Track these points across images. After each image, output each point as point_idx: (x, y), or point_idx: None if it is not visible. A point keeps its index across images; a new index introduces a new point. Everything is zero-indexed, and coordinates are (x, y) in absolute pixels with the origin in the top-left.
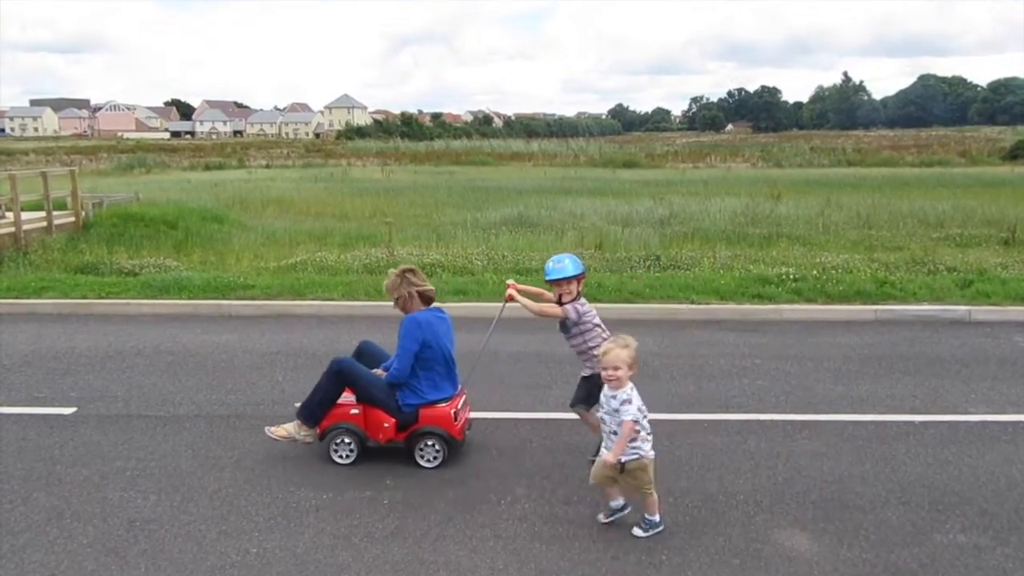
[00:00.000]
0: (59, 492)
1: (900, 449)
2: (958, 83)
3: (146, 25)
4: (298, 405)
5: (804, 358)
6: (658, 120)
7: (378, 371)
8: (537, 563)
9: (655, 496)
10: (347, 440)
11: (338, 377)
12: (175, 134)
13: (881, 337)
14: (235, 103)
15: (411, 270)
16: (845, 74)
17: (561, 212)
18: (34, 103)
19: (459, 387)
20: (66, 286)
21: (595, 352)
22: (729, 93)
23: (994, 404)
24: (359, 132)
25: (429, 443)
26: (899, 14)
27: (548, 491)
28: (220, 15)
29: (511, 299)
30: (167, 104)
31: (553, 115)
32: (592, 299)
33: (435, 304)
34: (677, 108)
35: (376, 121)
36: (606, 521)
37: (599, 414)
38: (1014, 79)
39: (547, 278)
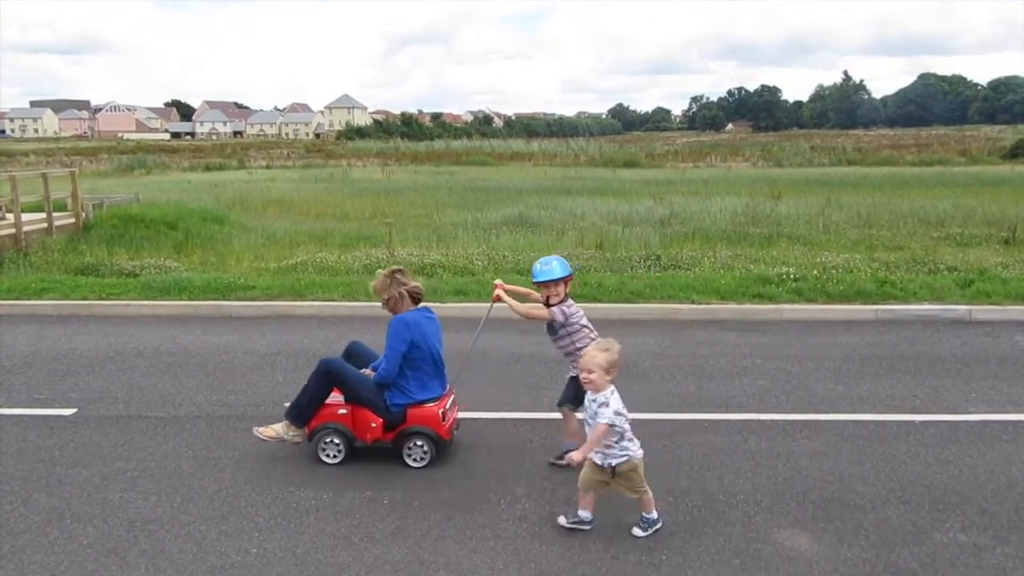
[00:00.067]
0: (59, 493)
1: (900, 449)
2: (958, 82)
3: (146, 26)
4: (287, 405)
5: (804, 358)
6: (658, 120)
7: (367, 371)
8: (537, 563)
9: (650, 494)
10: (335, 440)
11: (326, 377)
12: (175, 135)
13: (881, 337)
14: (235, 104)
15: (400, 270)
16: (845, 73)
17: (561, 212)
18: (34, 104)
19: (447, 387)
20: (66, 287)
21: (583, 353)
22: (729, 92)
23: (994, 404)
24: (359, 132)
25: (417, 443)
26: (899, 13)
27: (548, 491)
28: (220, 16)
29: (498, 299)
30: (167, 105)
31: (553, 115)
32: (592, 299)
33: (426, 304)
34: (677, 108)
35: (376, 121)
36: (568, 526)
37: (582, 416)
38: (1014, 78)
39: (535, 280)
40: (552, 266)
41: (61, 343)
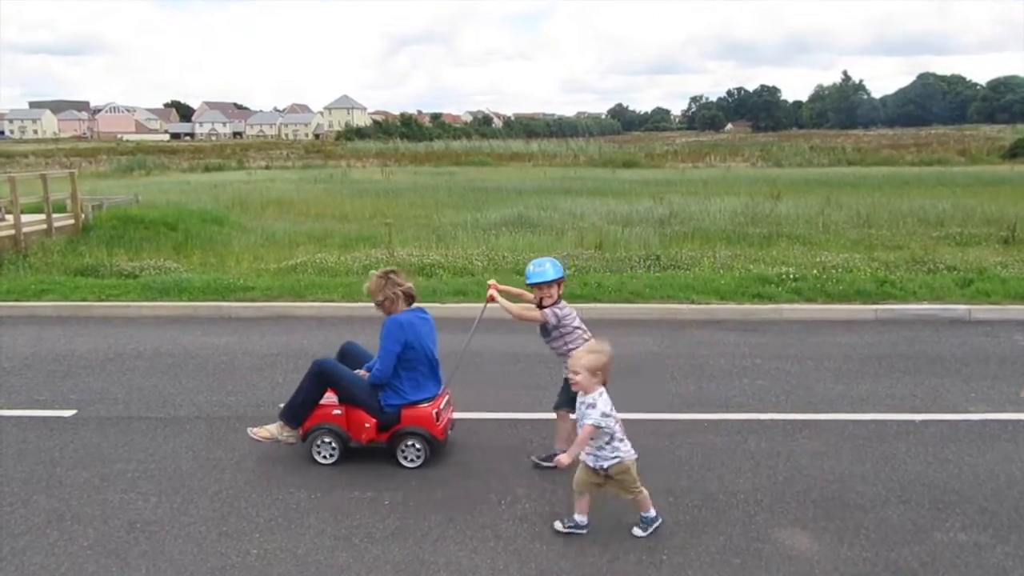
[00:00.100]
0: (59, 494)
1: (900, 448)
2: (957, 82)
3: (145, 27)
4: (282, 406)
5: (804, 357)
6: (657, 120)
7: (361, 372)
8: (538, 563)
9: (644, 493)
10: (329, 440)
11: (320, 378)
12: (174, 136)
13: (881, 336)
14: (234, 104)
15: (394, 271)
16: (844, 73)
17: (561, 212)
18: (33, 105)
19: (442, 387)
20: (66, 288)
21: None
22: (728, 92)
23: (994, 403)
24: (358, 133)
25: (411, 443)
26: (898, 13)
27: (548, 491)
28: (219, 16)
29: (492, 300)
30: (166, 106)
31: (552, 115)
32: (592, 299)
33: (422, 304)
34: (676, 108)
35: (375, 122)
36: (564, 531)
37: (574, 417)
38: (1013, 77)
39: (528, 281)
40: (545, 268)
41: (61, 344)
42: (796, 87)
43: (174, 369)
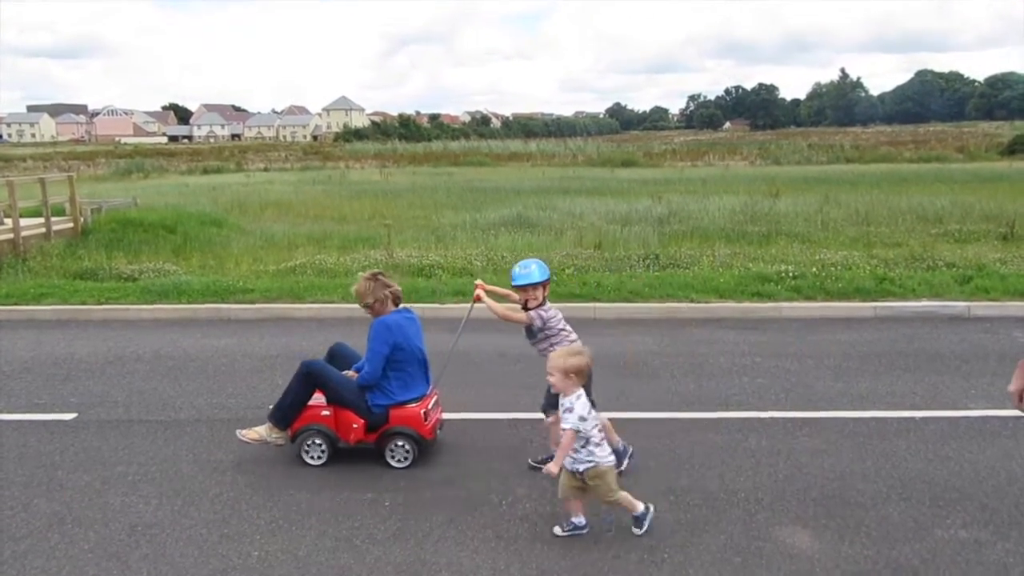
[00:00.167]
0: (60, 498)
1: (900, 445)
2: (955, 79)
3: (143, 30)
4: (271, 407)
5: (804, 355)
6: (656, 119)
7: (349, 372)
8: (539, 563)
9: (623, 496)
10: (318, 441)
11: (308, 379)
12: (173, 138)
13: (881, 334)
14: (232, 106)
15: (382, 272)
16: (842, 71)
17: (560, 212)
18: (31, 109)
19: (431, 386)
20: (65, 292)
21: None
22: (727, 91)
23: (994, 400)
24: (357, 134)
25: (399, 443)
26: (896, 10)
27: (549, 491)
28: (217, 18)
29: (478, 300)
30: (164, 108)
31: (551, 115)
32: (591, 298)
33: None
34: (675, 106)
35: (374, 123)
36: (563, 534)
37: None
38: (1011, 74)
39: (513, 283)
40: (531, 270)
41: (60, 348)
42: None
43: (174, 372)
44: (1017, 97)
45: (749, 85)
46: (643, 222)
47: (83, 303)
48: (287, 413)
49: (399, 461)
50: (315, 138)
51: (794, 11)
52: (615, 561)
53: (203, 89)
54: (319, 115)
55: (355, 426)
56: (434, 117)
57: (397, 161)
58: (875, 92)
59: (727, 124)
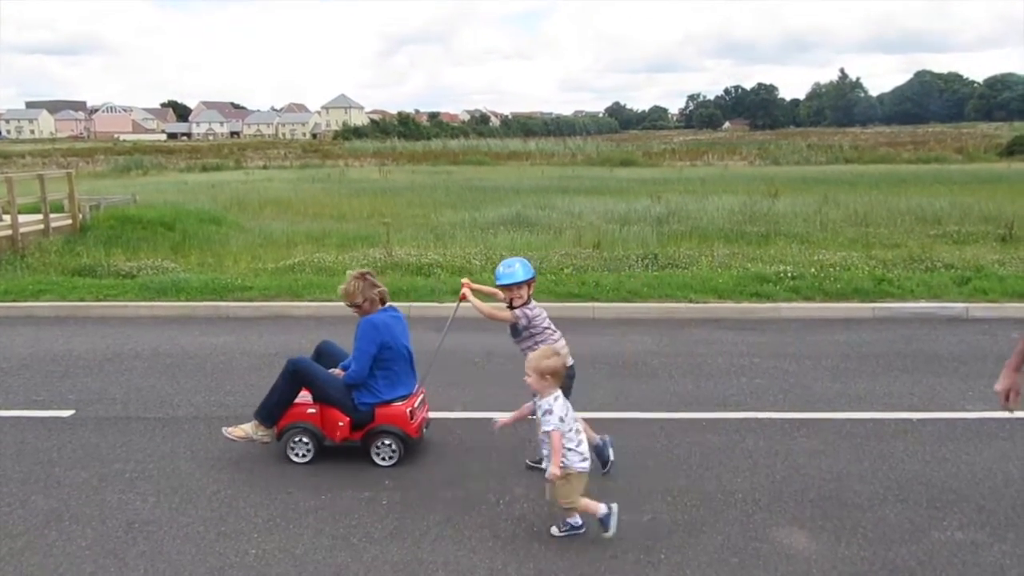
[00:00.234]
0: (58, 495)
1: (898, 447)
2: (954, 79)
3: (143, 27)
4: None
5: (802, 356)
6: (655, 118)
7: (336, 371)
8: (536, 563)
9: (583, 501)
10: (304, 439)
11: (294, 377)
12: (172, 135)
13: (879, 335)
14: (232, 104)
15: (369, 272)
16: (842, 71)
17: (559, 211)
18: (30, 105)
19: (417, 385)
20: (63, 289)
21: None
22: (726, 91)
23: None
24: (356, 132)
25: (385, 442)
26: (896, 11)
27: (547, 491)
28: (217, 16)
29: (464, 299)
30: (164, 105)
31: (550, 114)
32: (590, 298)
33: (391, 304)
34: (674, 106)
35: (373, 121)
36: (560, 535)
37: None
38: (1011, 75)
39: (497, 283)
40: (515, 269)
41: (58, 344)
42: (793, 85)
43: (172, 369)
44: (1016, 98)
45: (748, 85)
46: (642, 222)
47: (81, 300)
48: (273, 411)
49: (385, 460)
50: (314, 136)
51: (794, 11)
52: (612, 561)
53: (202, 86)
54: (318, 113)
55: (341, 424)
56: (433, 116)
57: (396, 159)
58: (874, 92)
59: (726, 124)
